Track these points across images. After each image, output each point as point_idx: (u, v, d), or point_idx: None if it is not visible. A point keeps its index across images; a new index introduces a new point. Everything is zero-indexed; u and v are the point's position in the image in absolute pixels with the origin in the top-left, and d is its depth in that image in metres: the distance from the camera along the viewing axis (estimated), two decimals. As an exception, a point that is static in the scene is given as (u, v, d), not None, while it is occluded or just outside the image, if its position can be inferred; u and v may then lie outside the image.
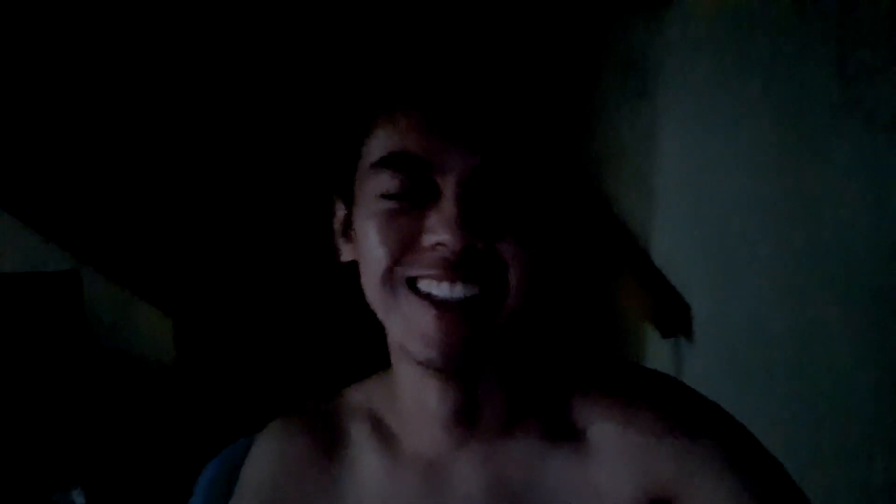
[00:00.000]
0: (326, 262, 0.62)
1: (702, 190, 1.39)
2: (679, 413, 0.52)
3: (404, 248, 0.48)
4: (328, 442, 0.58)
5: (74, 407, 1.77)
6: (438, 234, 0.47)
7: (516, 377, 0.55)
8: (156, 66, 1.90)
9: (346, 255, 0.56)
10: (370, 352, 0.61)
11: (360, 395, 0.61)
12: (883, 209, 1.00)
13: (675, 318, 1.46)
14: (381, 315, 0.52)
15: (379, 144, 0.50)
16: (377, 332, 0.56)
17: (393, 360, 0.56)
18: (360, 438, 0.58)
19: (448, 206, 0.47)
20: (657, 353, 1.54)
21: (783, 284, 1.20)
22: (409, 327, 0.49)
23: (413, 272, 0.48)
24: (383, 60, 0.52)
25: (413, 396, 0.54)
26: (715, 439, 0.51)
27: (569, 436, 0.54)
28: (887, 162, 0.98)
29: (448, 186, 0.47)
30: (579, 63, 1.75)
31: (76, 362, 1.82)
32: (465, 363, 0.49)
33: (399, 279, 0.49)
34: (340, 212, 0.56)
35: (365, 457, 0.57)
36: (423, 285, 0.48)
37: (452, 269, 0.47)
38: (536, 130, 0.50)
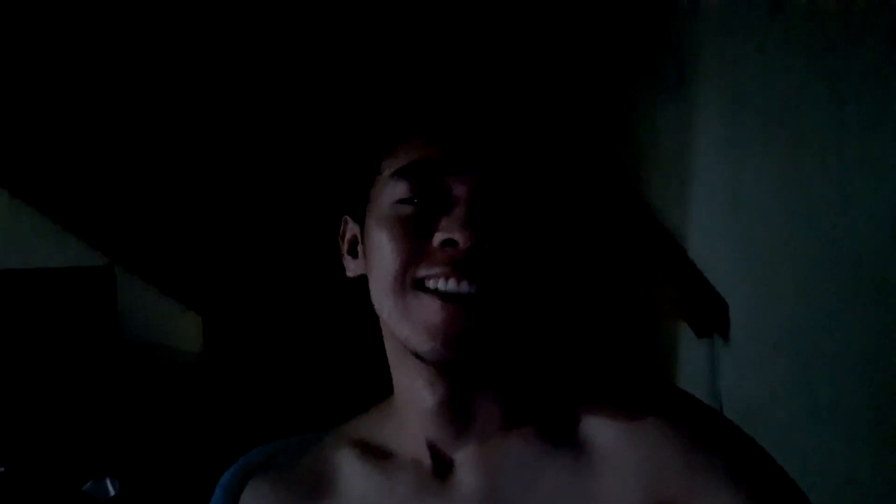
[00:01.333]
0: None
1: (740, 183, 1.34)
2: (688, 426, 0.53)
3: (415, 249, 0.52)
4: (315, 480, 0.59)
5: (106, 399, 1.81)
6: (448, 232, 0.50)
7: (514, 381, 0.57)
8: (193, 80, 1.93)
9: (353, 270, 0.60)
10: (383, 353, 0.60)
11: (345, 430, 0.62)
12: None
13: (710, 316, 1.41)
14: (386, 316, 0.54)
15: (399, 157, 0.54)
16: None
17: (392, 367, 0.58)
18: (350, 463, 0.59)
19: (460, 207, 0.51)
20: (691, 354, 1.50)
21: (825, 283, 1.15)
22: (415, 321, 0.51)
23: (422, 273, 0.51)
24: (404, 87, 0.60)
25: (412, 401, 0.56)
26: (723, 453, 0.52)
27: (572, 442, 0.54)
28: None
29: (460, 191, 0.52)
30: (613, 55, 1.71)
31: (108, 355, 1.85)
32: (466, 355, 0.51)
33: (409, 281, 0.52)
34: (350, 231, 0.61)
35: (356, 478, 0.58)
36: (431, 283, 0.51)
37: (460, 266, 0.50)
38: (541, 143, 0.55)
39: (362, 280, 0.58)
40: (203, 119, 1.96)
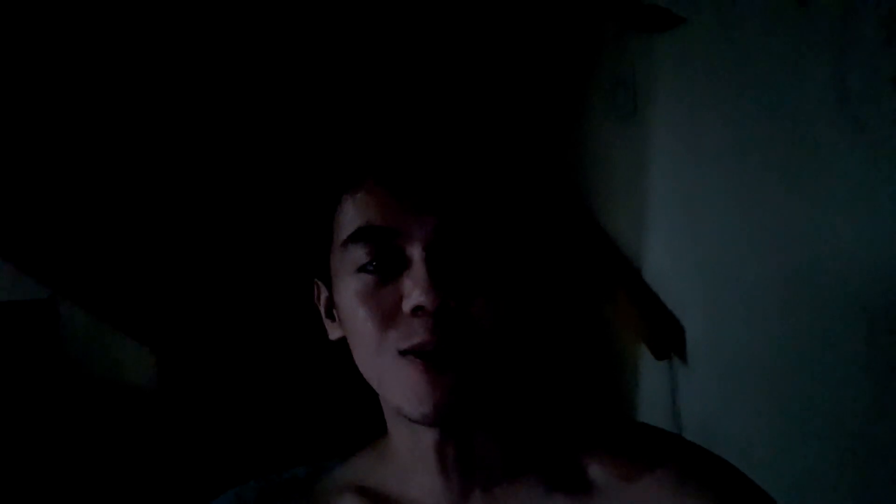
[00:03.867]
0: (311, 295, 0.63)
1: (694, 210, 1.38)
2: (679, 463, 0.55)
3: (389, 320, 0.52)
4: None
5: (51, 437, 1.72)
6: (414, 297, 0.50)
7: (513, 428, 0.58)
8: (143, 106, 1.89)
9: (333, 333, 0.59)
10: (356, 386, 0.60)
11: (344, 473, 0.62)
12: (875, 230, 0.99)
13: (669, 339, 1.44)
14: (375, 385, 0.55)
15: (347, 222, 0.54)
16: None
17: (389, 423, 0.59)
18: None
19: (418, 269, 0.51)
20: (651, 376, 1.52)
21: (777, 305, 1.19)
22: (402, 389, 0.52)
23: (403, 345, 0.52)
24: (339, 141, 0.57)
25: (411, 454, 0.57)
26: (713, 487, 0.54)
27: (573, 485, 0.55)
28: (881, 182, 0.97)
29: (415, 251, 0.51)
30: (566, 84, 1.75)
31: (53, 392, 1.76)
32: (456, 413, 0.52)
33: (389, 353, 0.52)
34: (323, 294, 0.60)
35: None
36: (410, 351, 0.52)
37: (433, 331, 0.51)
38: (493, 191, 0.54)
39: (344, 341, 0.58)
40: (160, 147, 1.91)
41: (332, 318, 0.59)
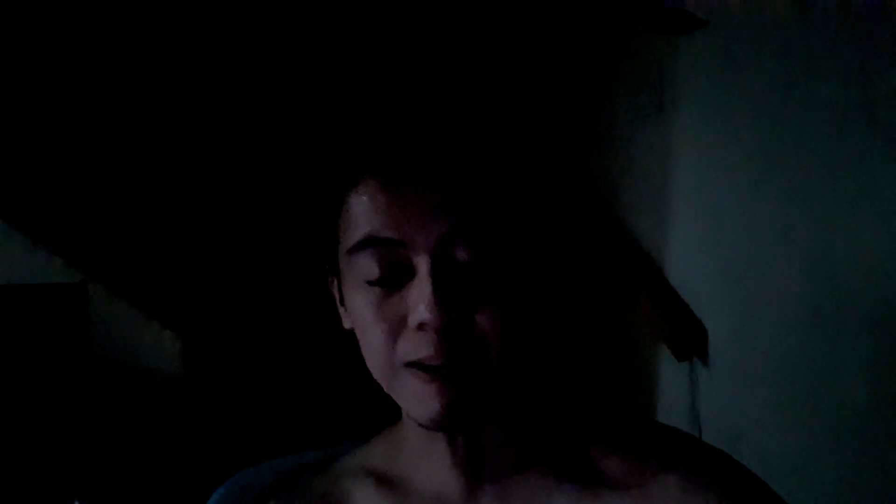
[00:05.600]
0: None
1: (719, 209, 1.37)
2: (698, 468, 0.55)
3: (395, 331, 0.52)
4: None
5: (76, 420, 1.76)
6: (419, 313, 0.50)
7: (523, 423, 0.58)
8: (176, 94, 1.92)
9: (347, 323, 0.59)
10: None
11: (358, 458, 0.63)
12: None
13: (690, 340, 1.42)
14: (385, 388, 0.56)
15: (351, 228, 0.53)
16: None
17: (403, 415, 0.60)
18: (367, 494, 0.60)
19: (423, 283, 0.50)
20: (672, 377, 1.51)
21: (804, 308, 1.17)
22: (409, 398, 0.53)
23: (409, 358, 0.52)
24: (341, 144, 0.55)
25: (424, 446, 0.58)
26: (720, 483, 0.54)
27: (582, 479, 0.56)
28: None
29: (421, 263, 0.50)
30: (591, 84, 1.74)
31: (81, 374, 1.80)
32: (462, 423, 0.53)
33: (397, 365, 0.53)
34: (334, 284, 0.59)
35: None
36: (416, 363, 0.52)
37: (437, 346, 0.50)
38: (502, 196, 0.52)
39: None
40: (183, 135, 1.94)
41: (346, 308, 0.59)
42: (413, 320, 0.50)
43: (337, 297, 0.59)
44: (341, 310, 0.59)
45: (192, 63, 1.90)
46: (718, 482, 0.54)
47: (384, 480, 0.60)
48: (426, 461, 0.58)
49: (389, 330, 0.52)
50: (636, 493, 0.54)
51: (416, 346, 0.51)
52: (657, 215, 1.55)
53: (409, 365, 0.51)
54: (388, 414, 0.64)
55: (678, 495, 0.53)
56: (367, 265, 0.52)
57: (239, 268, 1.92)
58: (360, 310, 0.53)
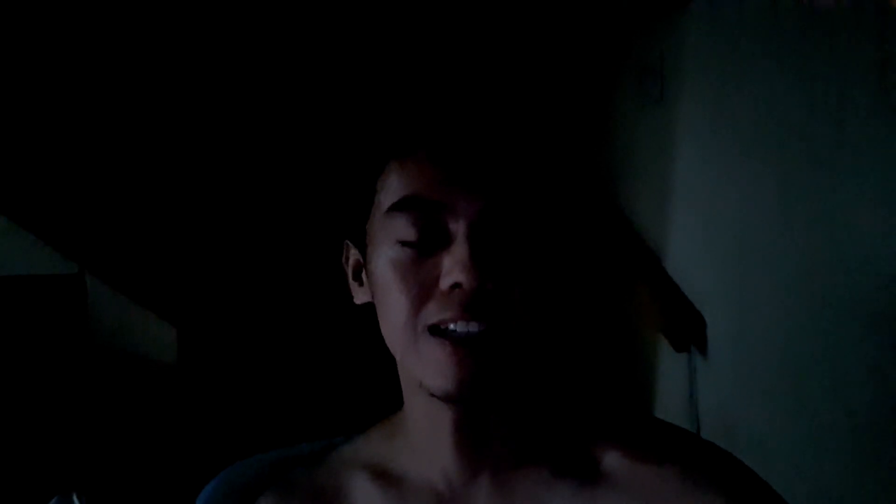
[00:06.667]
0: (329, 273, 0.62)
1: (719, 199, 1.36)
2: (696, 465, 0.55)
3: (424, 295, 0.52)
4: (328, 502, 0.60)
5: (75, 410, 1.76)
6: (454, 275, 0.51)
7: (526, 413, 0.58)
8: (173, 83, 1.91)
9: (360, 297, 0.59)
10: (371, 361, 0.61)
11: (354, 450, 0.63)
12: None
13: (688, 331, 1.42)
14: (400, 357, 0.56)
15: (392, 189, 0.54)
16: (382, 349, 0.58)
17: (406, 397, 0.59)
18: (363, 486, 0.60)
19: (461, 248, 0.51)
20: (670, 367, 1.51)
21: (804, 299, 1.17)
22: (427, 363, 0.53)
23: (435, 319, 0.52)
24: (396, 108, 0.57)
25: (427, 429, 0.57)
26: (721, 482, 0.54)
27: (581, 475, 0.56)
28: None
29: (459, 229, 0.52)
30: (593, 71, 1.72)
31: (79, 365, 1.80)
32: (476, 393, 0.53)
33: (421, 327, 0.53)
34: (353, 257, 0.60)
35: (371, 501, 0.59)
36: (443, 327, 0.53)
37: (467, 308, 0.51)
38: (539, 174, 0.55)
39: (367, 306, 0.58)
40: (179, 125, 1.93)
41: (360, 282, 0.59)
42: (446, 282, 0.51)
43: (350, 271, 0.60)
44: (353, 285, 0.60)
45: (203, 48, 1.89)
46: (718, 479, 0.54)
47: (380, 472, 0.60)
48: (427, 449, 0.57)
49: (417, 292, 0.52)
50: (635, 490, 0.54)
51: (445, 307, 0.51)
52: (657, 204, 1.54)
53: (434, 332, 0.52)
54: (383, 406, 0.64)
55: (677, 492, 0.53)
56: (403, 225, 0.52)
57: (235, 259, 1.91)
58: (387, 272, 0.53)
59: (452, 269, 0.51)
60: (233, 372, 1.86)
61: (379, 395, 0.72)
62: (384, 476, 0.59)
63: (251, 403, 1.81)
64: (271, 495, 0.62)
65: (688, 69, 1.41)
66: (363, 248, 0.57)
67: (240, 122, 1.93)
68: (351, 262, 0.61)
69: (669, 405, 1.50)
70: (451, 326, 0.52)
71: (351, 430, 0.67)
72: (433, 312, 0.52)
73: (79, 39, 1.81)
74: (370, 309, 0.59)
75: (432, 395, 0.53)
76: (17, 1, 1.68)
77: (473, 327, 0.51)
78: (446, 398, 0.53)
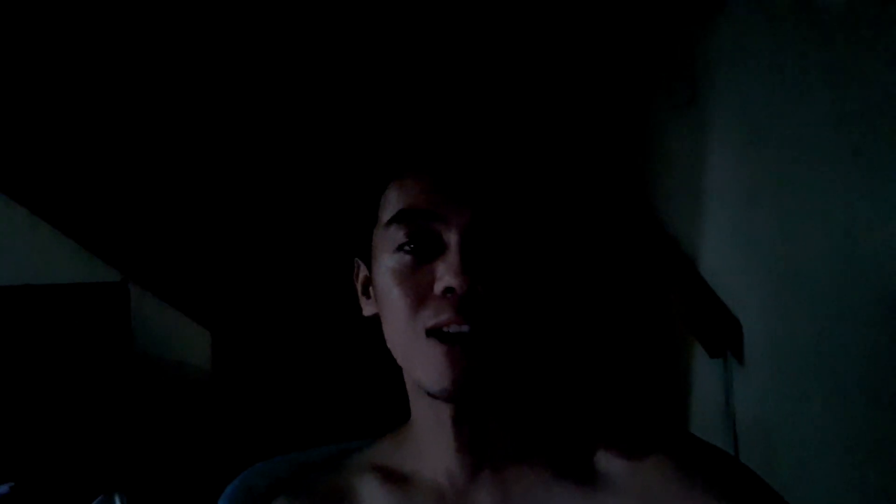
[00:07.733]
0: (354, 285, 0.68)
1: (755, 201, 1.33)
2: (695, 466, 0.55)
3: (420, 299, 0.56)
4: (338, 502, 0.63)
5: (117, 414, 1.81)
6: (446, 280, 0.55)
7: (525, 412, 0.60)
8: (214, 108, 1.97)
9: (368, 310, 0.64)
10: (395, 371, 0.65)
11: (366, 455, 0.66)
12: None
13: (724, 336, 1.38)
14: (400, 359, 0.59)
15: (391, 205, 0.59)
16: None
17: (411, 400, 0.63)
18: (371, 487, 0.63)
19: (453, 255, 0.55)
20: (705, 374, 1.47)
21: (843, 303, 1.13)
22: (424, 364, 0.56)
23: (431, 322, 0.56)
24: (395, 136, 0.62)
25: (430, 429, 0.60)
26: (730, 494, 0.54)
27: (581, 474, 0.57)
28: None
29: (452, 238, 0.56)
30: (624, 76, 1.71)
31: (121, 371, 1.85)
32: (471, 391, 0.55)
33: (419, 329, 0.56)
34: (362, 273, 0.65)
35: (379, 501, 0.62)
36: (438, 329, 0.56)
37: (459, 310, 0.55)
38: (526, 185, 0.58)
39: (377, 318, 0.62)
40: (218, 139, 1.99)
41: (368, 296, 0.64)
42: (439, 286, 0.55)
43: (360, 286, 0.65)
44: (363, 300, 0.64)
45: (233, 59, 1.94)
46: (718, 481, 0.54)
47: (390, 474, 0.63)
48: (431, 450, 0.61)
49: (415, 297, 0.56)
50: (634, 491, 0.55)
51: (439, 310, 0.55)
52: (691, 207, 1.51)
53: (430, 334, 0.55)
54: (399, 416, 0.67)
55: (677, 494, 0.54)
56: (400, 235, 0.57)
57: (267, 269, 1.96)
58: (387, 280, 0.57)
59: (445, 274, 0.55)
60: (263, 375, 1.90)
61: (393, 406, 0.74)
62: (393, 478, 0.62)
63: (279, 406, 1.84)
64: (287, 496, 0.65)
65: (719, 72, 1.39)
66: (369, 264, 0.62)
67: (272, 156, 2.00)
68: (360, 278, 0.65)
69: (705, 412, 1.47)
70: (446, 329, 0.55)
71: (368, 435, 0.70)
72: (429, 316, 0.55)
73: (125, 55, 1.87)
74: None
75: (431, 394, 0.56)
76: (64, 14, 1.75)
77: (465, 328, 0.54)
78: (443, 396, 0.55)
